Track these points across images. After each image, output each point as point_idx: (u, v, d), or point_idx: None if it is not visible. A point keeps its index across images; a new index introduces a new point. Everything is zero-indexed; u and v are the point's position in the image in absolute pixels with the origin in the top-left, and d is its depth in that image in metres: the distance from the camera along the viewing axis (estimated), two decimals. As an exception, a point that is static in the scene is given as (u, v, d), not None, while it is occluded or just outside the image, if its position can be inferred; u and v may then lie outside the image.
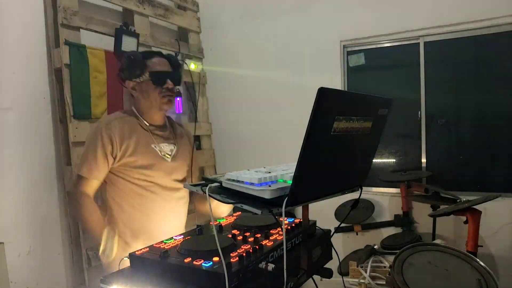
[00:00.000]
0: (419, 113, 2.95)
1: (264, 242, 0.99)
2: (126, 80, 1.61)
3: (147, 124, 1.62)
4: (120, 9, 2.70)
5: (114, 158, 1.55)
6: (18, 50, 2.16)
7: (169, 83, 1.60)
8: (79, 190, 1.54)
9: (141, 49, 2.69)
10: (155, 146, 1.61)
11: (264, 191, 0.82)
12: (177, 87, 3.23)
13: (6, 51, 2.10)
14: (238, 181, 0.88)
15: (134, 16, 2.73)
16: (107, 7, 2.59)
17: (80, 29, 2.32)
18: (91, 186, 1.56)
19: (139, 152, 1.56)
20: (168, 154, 1.64)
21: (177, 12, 3.22)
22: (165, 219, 1.63)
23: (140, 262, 0.95)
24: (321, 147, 0.82)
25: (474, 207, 1.98)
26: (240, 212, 1.37)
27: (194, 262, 0.88)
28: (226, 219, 1.29)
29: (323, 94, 0.74)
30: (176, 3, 3.27)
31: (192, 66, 3.30)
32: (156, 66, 1.59)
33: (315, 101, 0.73)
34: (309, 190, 0.88)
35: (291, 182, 0.83)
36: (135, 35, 2.61)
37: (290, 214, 1.46)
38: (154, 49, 2.90)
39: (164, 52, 1.75)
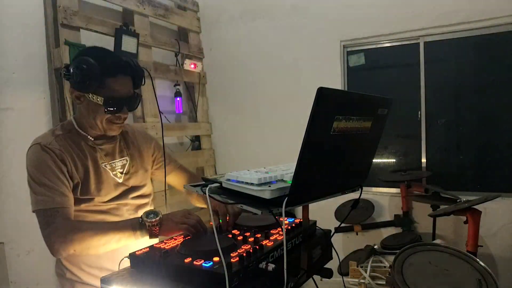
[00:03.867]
0: (419, 113, 2.95)
1: (264, 242, 0.99)
2: (72, 87, 1.25)
3: (92, 139, 1.31)
4: (120, 9, 2.71)
5: (71, 179, 1.23)
6: (18, 50, 2.16)
7: (125, 112, 1.28)
8: (56, 222, 1.17)
9: (141, 49, 2.70)
10: (105, 166, 1.32)
11: (264, 191, 0.82)
12: (177, 87, 3.27)
13: (6, 51, 2.11)
14: (238, 181, 0.88)
15: (134, 16, 2.74)
16: (107, 7, 2.59)
17: (80, 29, 2.32)
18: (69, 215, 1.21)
19: (90, 174, 1.27)
20: (119, 172, 1.36)
21: (177, 12, 3.22)
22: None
23: (140, 262, 0.95)
24: (320, 147, 0.82)
25: (474, 207, 1.98)
26: (240, 212, 1.37)
27: (194, 262, 0.87)
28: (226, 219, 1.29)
29: (323, 94, 0.74)
30: (176, 3, 3.28)
31: (192, 66, 3.30)
32: (116, 87, 1.23)
33: (314, 101, 0.73)
34: (309, 190, 0.88)
35: (291, 182, 0.82)
36: (135, 35, 2.61)
37: (290, 214, 1.46)
38: (154, 49, 2.91)
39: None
